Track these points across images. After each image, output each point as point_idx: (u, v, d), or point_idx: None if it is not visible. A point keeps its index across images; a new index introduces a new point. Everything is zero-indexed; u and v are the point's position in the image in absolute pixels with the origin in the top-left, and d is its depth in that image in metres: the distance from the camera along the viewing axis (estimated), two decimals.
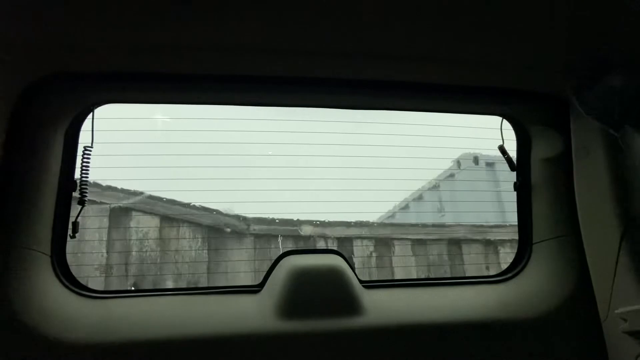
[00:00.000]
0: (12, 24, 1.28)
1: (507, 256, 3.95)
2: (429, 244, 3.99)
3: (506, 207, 4.04)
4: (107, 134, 1.91)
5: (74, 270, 1.67)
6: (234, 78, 1.61)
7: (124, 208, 3.51)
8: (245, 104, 1.83)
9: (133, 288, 3.36)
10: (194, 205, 3.64)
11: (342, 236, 3.83)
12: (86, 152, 1.68)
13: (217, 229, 3.67)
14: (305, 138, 3.30)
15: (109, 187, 3.48)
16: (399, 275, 3.89)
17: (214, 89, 1.65)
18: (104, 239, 3.43)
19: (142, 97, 1.75)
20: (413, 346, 1.65)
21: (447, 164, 4.23)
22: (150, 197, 3.57)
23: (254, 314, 1.63)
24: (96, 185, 3.36)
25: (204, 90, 1.66)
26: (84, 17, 1.28)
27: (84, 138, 1.70)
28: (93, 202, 3.38)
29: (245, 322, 1.60)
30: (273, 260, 1.77)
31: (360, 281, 1.75)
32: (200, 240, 3.60)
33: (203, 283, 3.52)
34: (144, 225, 3.52)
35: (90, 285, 1.69)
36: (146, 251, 3.50)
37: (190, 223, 3.60)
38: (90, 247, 3.36)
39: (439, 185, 4.37)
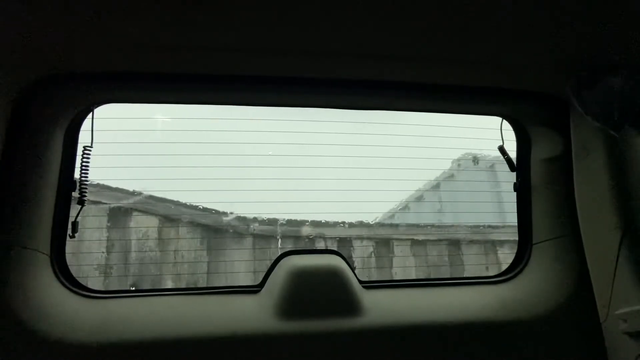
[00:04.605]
0: (12, 24, 1.28)
1: (507, 257, 3.94)
2: (429, 244, 3.98)
3: (506, 208, 4.04)
4: (107, 134, 1.91)
5: (73, 270, 1.67)
6: (234, 78, 1.61)
7: (124, 208, 3.50)
8: (245, 104, 1.83)
9: (133, 288, 3.35)
10: (193, 205, 3.64)
11: (342, 236, 3.82)
12: (86, 152, 1.68)
13: (216, 229, 3.66)
14: (305, 138, 3.30)
15: (108, 187, 3.47)
16: (398, 275, 3.89)
17: (214, 89, 1.65)
18: (104, 239, 3.42)
19: (142, 97, 1.75)
20: (413, 346, 1.65)
21: (447, 164, 4.23)
22: (150, 197, 3.57)
23: (254, 314, 1.63)
24: (96, 185, 3.36)
25: (204, 90, 1.66)
26: (83, 17, 1.28)
27: (83, 138, 1.70)
28: (92, 202, 3.37)
29: (245, 322, 1.60)
30: (273, 261, 1.77)
31: (360, 281, 1.75)
32: (199, 240, 3.60)
33: (202, 283, 3.52)
34: (144, 225, 3.52)
35: (90, 285, 1.69)
36: (146, 251, 3.50)
37: (190, 223, 3.60)
38: (89, 247, 3.36)
39: (438, 186, 4.37)
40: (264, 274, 1.77)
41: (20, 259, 1.51)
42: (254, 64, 1.56)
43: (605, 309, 1.63)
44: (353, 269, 1.75)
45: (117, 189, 3.50)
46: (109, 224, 3.46)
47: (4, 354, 1.44)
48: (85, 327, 1.51)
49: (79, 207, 1.69)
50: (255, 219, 3.69)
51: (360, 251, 3.83)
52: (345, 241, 3.82)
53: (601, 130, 1.56)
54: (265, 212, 3.65)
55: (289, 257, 1.76)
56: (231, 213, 3.65)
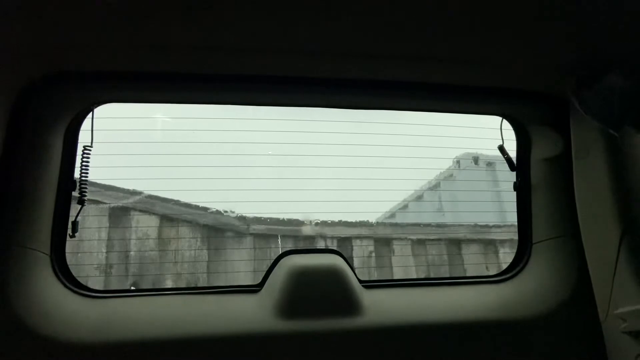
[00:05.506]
0: (12, 23, 1.28)
1: (506, 256, 3.94)
2: (429, 243, 3.98)
3: (506, 207, 4.04)
4: (107, 134, 1.91)
5: (73, 269, 1.67)
6: (234, 78, 1.61)
7: (124, 208, 3.50)
8: (245, 104, 1.83)
9: (133, 288, 3.35)
10: (193, 205, 3.64)
11: (342, 236, 3.82)
12: (86, 151, 1.68)
13: (216, 229, 3.66)
14: (305, 138, 3.29)
15: (108, 187, 3.47)
16: (398, 275, 3.89)
17: (214, 88, 1.65)
18: (104, 238, 3.42)
19: (142, 96, 1.75)
20: (413, 346, 1.65)
21: (447, 164, 4.23)
22: (150, 196, 3.57)
23: (254, 313, 1.63)
24: (96, 184, 3.36)
25: (204, 90, 1.66)
26: (83, 17, 1.28)
27: (83, 137, 1.70)
28: (92, 201, 3.38)
29: (245, 322, 1.60)
30: (272, 260, 1.77)
31: (360, 281, 1.75)
32: (199, 240, 3.60)
33: (202, 283, 3.51)
34: (144, 225, 3.52)
35: (90, 285, 1.69)
36: (145, 251, 3.50)
37: (190, 223, 3.60)
38: (89, 246, 3.36)
39: (438, 185, 4.37)
40: (263, 273, 1.77)
41: (20, 259, 1.51)
42: (254, 64, 1.56)
43: (605, 308, 1.63)
44: (353, 269, 1.75)
45: (117, 189, 3.50)
46: (109, 224, 3.46)
47: (4, 354, 1.44)
48: (85, 327, 1.51)
49: (79, 206, 1.69)
50: (255, 219, 3.69)
51: (360, 251, 3.83)
52: (345, 240, 3.82)
53: (601, 130, 1.56)
54: (265, 211, 3.65)
55: (289, 256, 1.76)
56: (231, 212, 3.65)
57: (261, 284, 1.74)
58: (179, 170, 3.27)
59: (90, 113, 1.68)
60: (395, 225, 4.21)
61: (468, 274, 4.06)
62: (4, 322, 1.44)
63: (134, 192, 3.53)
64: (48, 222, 1.60)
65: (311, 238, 3.78)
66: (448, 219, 4.37)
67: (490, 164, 4.12)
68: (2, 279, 1.46)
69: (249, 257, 3.64)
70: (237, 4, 1.26)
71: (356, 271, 1.76)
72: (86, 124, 1.70)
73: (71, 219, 1.68)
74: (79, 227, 1.69)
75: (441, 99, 1.80)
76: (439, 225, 4.20)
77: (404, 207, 4.46)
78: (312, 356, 1.60)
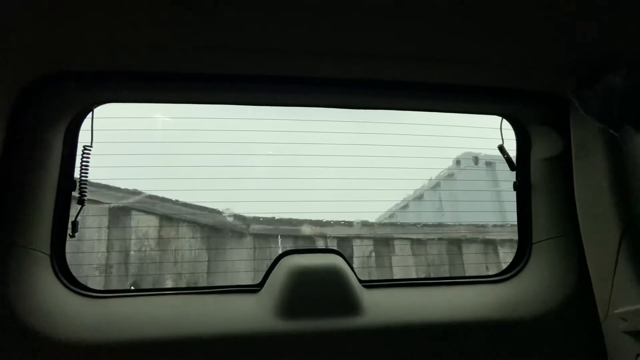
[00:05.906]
0: (12, 23, 1.28)
1: (506, 256, 3.94)
2: (429, 243, 3.98)
3: (506, 207, 4.04)
4: (107, 134, 1.91)
5: (73, 269, 1.67)
6: (233, 78, 1.61)
7: (123, 208, 3.50)
8: (245, 104, 1.83)
9: (132, 287, 3.35)
10: (193, 205, 3.64)
11: (342, 236, 3.82)
12: (86, 151, 1.68)
13: (216, 229, 3.66)
14: (305, 137, 3.29)
15: (108, 187, 3.47)
16: (398, 275, 3.89)
17: (214, 88, 1.65)
18: (103, 238, 3.42)
19: (142, 96, 1.75)
20: (412, 346, 1.65)
21: (447, 164, 4.23)
22: (150, 196, 3.56)
23: (254, 313, 1.63)
24: (95, 184, 3.35)
25: (204, 90, 1.66)
26: (84, 17, 1.28)
27: (83, 137, 1.70)
28: (92, 201, 3.37)
29: (245, 322, 1.61)
30: (272, 260, 1.77)
31: (360, 281, 1.75)
32: (199, 239, 3.60)
33: (202, 283, 3.51)
34: (143, 225, 3.52)
35: (90, 285, 1.69)
36: (145, 250, 3.50)
37: (190, 222, 3.60)
38: (89, 246, 3.36)
39: (439, 185, 4.37)
40: (263, 273, 1.77)
41: (20, 259, 1.51)
42: (253, 64, 1.55)
43: (605, 308, 1.63)
44: (353, 268, 1.75)
45: (116, 189, 3.50)
46: (108, 224, 3.46)
47: (4, 354, 1.44)
48: (86, 327, 1.52)
49: (79, 206, 1.69)
50: (255, 219, 3.69)
51: (360, 250, 3.83)
52: (345, 240, 3.82)
53: (601, 130, 1.56)
54: (265, 211, 3.65)
55: (289, 256, 1.76)
56: (231, 212, 3.65)
57: (261, 284, 1.74)
58: (179, 170, 3.27)
59: (90, 113, 1.68)
60: (395, 225, 4.21)
61: (468, 274, 4.06)
62: (4, 322, 1.44)
63: (133, 192, 3.53)
64: (48, 222, 1.60)
65: (311, 238, 3.78)
66: (448, 218, 4.37)
67: (490, 163, 4.11)
68: (2, 279, 1.47)
69: (249, 256, 3.64)
70: (237, 4, 1.25)
71: (356, 271, 1.76)
72: (86, 124, 1.70)
73: (71, 219, 1.68)
74: (79, 227, 1.69)
75: (441, 99, 1.80)
76: (439, 225, 4.20)
77: (404, 207, 4.46)
78: (312, 356, 1.60)
